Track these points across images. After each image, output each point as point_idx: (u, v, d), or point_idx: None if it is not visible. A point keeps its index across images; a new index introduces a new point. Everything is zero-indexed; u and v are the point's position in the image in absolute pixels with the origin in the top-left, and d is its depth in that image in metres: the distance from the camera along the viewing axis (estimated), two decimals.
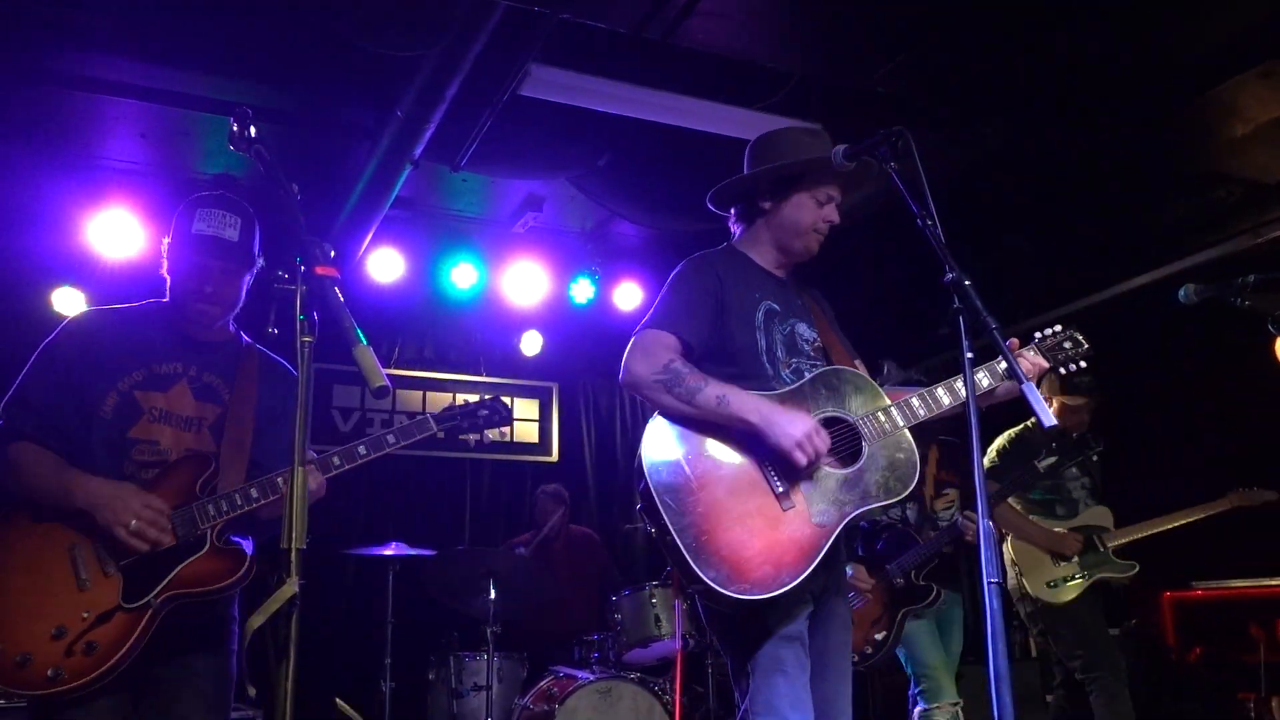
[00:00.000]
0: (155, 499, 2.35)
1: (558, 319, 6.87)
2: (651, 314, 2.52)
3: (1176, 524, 4.55)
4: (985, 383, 2.56)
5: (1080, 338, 2.70)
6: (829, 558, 2.36)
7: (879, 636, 4.02)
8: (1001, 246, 5.71)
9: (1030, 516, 4.60)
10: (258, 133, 1.69)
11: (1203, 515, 4.51)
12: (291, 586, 1.45)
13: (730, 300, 2.56)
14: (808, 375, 2.51)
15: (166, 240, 2.75)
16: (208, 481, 2.47)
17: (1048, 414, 1.70)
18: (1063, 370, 2.69)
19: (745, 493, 2.32)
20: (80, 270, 5.42)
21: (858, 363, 2.71)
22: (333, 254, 1.58)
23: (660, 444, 2.36)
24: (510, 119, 4.48)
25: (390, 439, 2.76)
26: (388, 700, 4.75)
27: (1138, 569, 4.52)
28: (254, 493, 2.46)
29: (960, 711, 4.11)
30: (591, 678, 4.66)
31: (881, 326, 6.17)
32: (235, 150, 1.73)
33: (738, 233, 2.77)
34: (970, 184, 4.88)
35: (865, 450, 2.41)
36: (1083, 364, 2.69)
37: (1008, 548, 4.61)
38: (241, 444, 2.55)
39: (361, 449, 2.71)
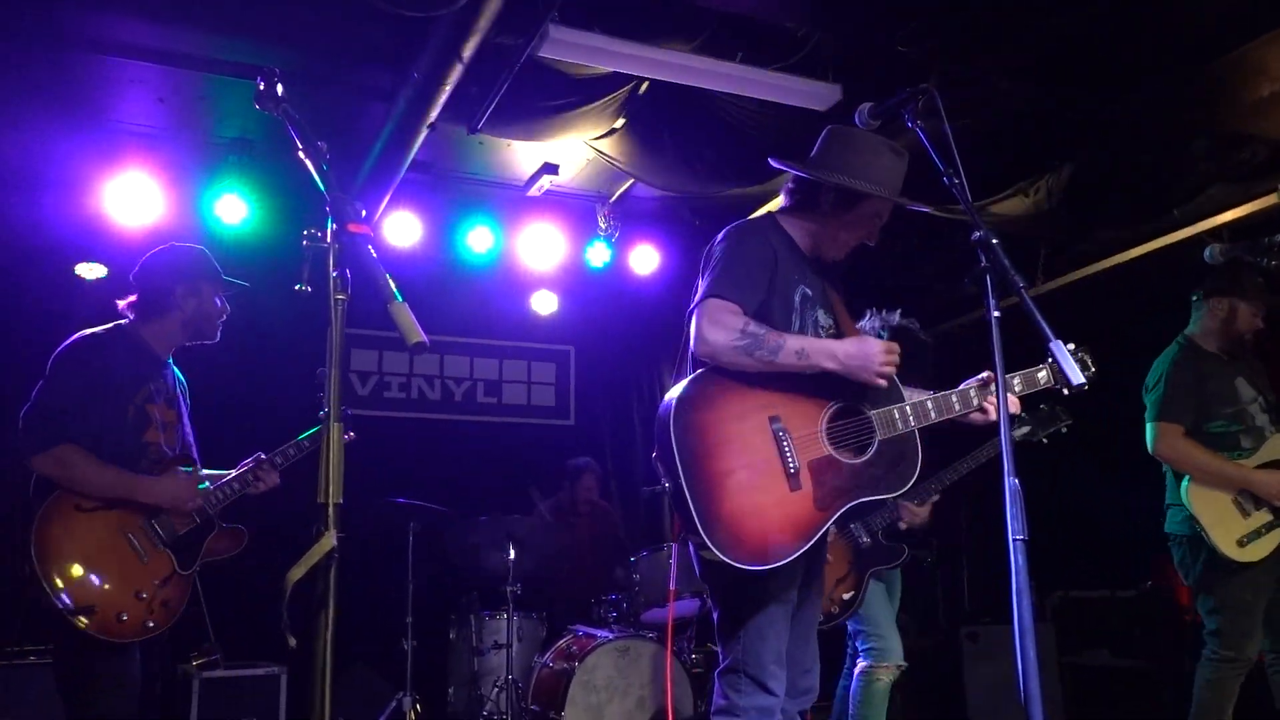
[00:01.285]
0: (193, 489, 3.12)
1: (574, 282, 6.88)
2: (709, 283, 2.54)
3: None
4: (1017, 386, 2.64)
5: (1089, 359, 2.77)
6: (822, 536, 2.47)
7: (846, 597, 3.98)
8: (1021, 206, 5.65)
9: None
10: (284, 92, 1.70)
11: None
12: (330, 539, 1.48)
13: (778, 278, 2.61)
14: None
15: (190, 284, 3.29)
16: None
17: (1075, 372, 1.70)
18: (1065, 392, 2.69)
19: (760, 467, 2.40)
20: (97, 238, 5.45)
21: None
22: (364, 213, 1.58)
23: (691, 402, 2.42)
24: (527, 81, 4.46)
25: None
26: (409, 658, 4.82)
27: None
28: (236, 485, 3.25)
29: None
30: (610, 636, 4.72)
31: (903, 287, 6.16)
32: (262, 109, 1.73)
33: (787, 203, 2.77)
34: (992, 144, 4.83)
35: (875, 444, 2.50)
36: (1086, 387, 2.68)
37: (1185, 497, 3.85)
38: (190, 441, 3.34)
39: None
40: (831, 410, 2.48)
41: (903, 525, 4.12)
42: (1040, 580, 6.86)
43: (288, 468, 3.36)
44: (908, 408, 2.53)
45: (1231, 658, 3.71)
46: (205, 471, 3.29)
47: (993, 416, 2.60)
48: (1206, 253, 3.23)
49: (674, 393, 2.45)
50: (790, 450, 2.41)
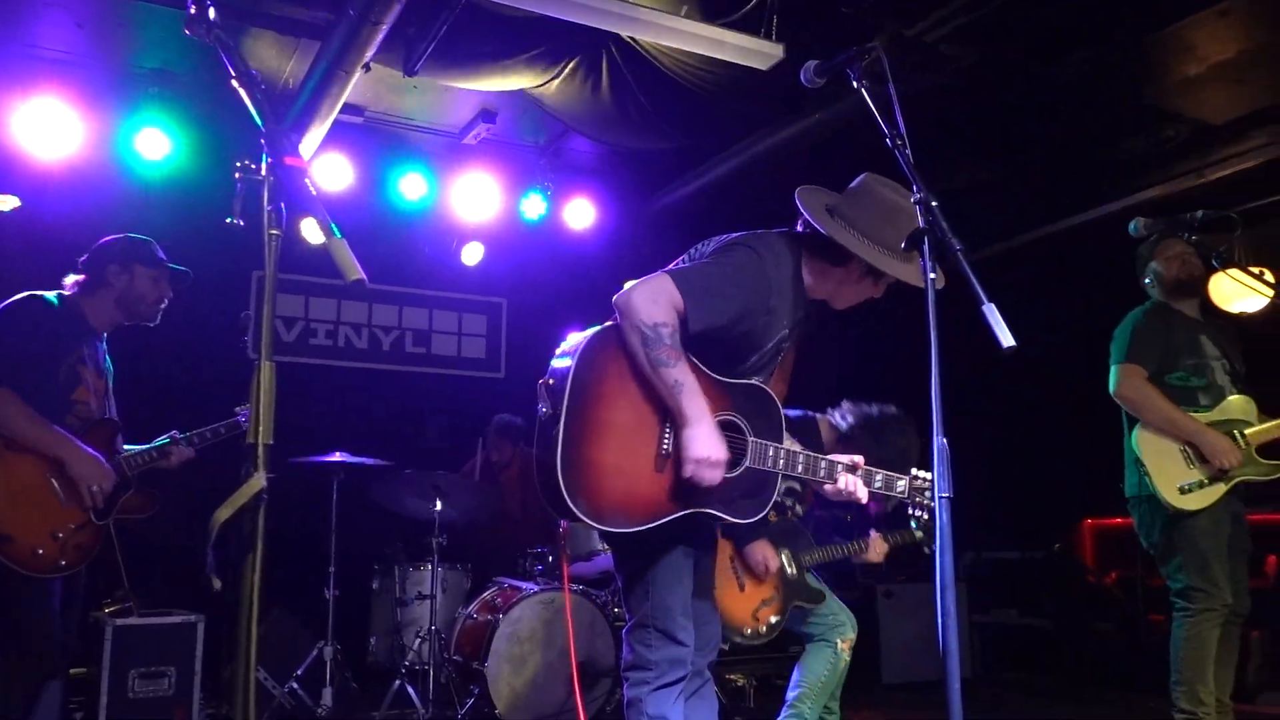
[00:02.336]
0: (110, 476, 3.32)
1: (508, 234, 6.79)
2: (687, 270, 2.46)
3: None
4: (878, 483, 2.71)
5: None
6: (687, 527, 2.48)
7: (773, 620, 3.94)
8: (956, 174, 5.75)
9: None
10: (217, 17, 1.62)
11: None
12: (259, 480, 1.44)
13: (763, 324, 2.53)
14: (742, 380, 2.57)
15: (123, 264, 3.53)
16: (117, 437, 3.48)
17: (1006, 334, 1.73)
18: (909, 512, 2.79)
19: (637, 435, 2.40)
20: (7, 167, 5.18)
21: (786, 388, 2.80)
22: (301, 147, 1.53)
23: (601, 348, 2.40)
24: (468, 23, 4.35)
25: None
26: (331, 608, 4.77)
27: None
28: (154, 454, 3.56)
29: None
30: (536, 589, 4.74)
31: None
32: (192, 35, 1.65)
33: (802, 230, 2.61)
34: (929, 109, 4.88)
35: (742, 466, 2.50)
36: (925, 516, 2.76)
37: (1134, 442, 3.92)
38: (114, 413, 3.54)
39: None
40: (720, 418, 2.46)
41: (863, 557, 4.17)
42: (955, 541, 7.08)
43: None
44: (783, 450, 2.56)
45: (1205, 609, 3.78)
46: (127, 448, 3.51)
47: (842, 488, 2.64)
48: (1131, 226, 3.31)
49: (594, 329, 2.43)
50: (670, 435, 2.42)
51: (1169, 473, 3.81)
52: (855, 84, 2.17)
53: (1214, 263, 3.55)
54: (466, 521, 5.88)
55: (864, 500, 2.67)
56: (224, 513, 1.45)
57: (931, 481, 2.68)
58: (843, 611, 4.14)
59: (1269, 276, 3.79)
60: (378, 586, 5.39)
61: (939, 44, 4.35)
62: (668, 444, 2.42)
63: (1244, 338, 4.17)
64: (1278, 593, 5.64)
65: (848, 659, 4.08)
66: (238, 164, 1.55)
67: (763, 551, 3.89)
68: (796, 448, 2.65)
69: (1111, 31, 4.35)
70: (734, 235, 2.57)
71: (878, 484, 2.69)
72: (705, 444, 2.33)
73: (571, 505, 2.29)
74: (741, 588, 3.93)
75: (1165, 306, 4.06)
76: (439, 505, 4.89)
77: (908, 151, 2.04)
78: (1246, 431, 3.85)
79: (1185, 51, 4.56)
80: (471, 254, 6.90)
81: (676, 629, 2.51)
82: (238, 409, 3.78)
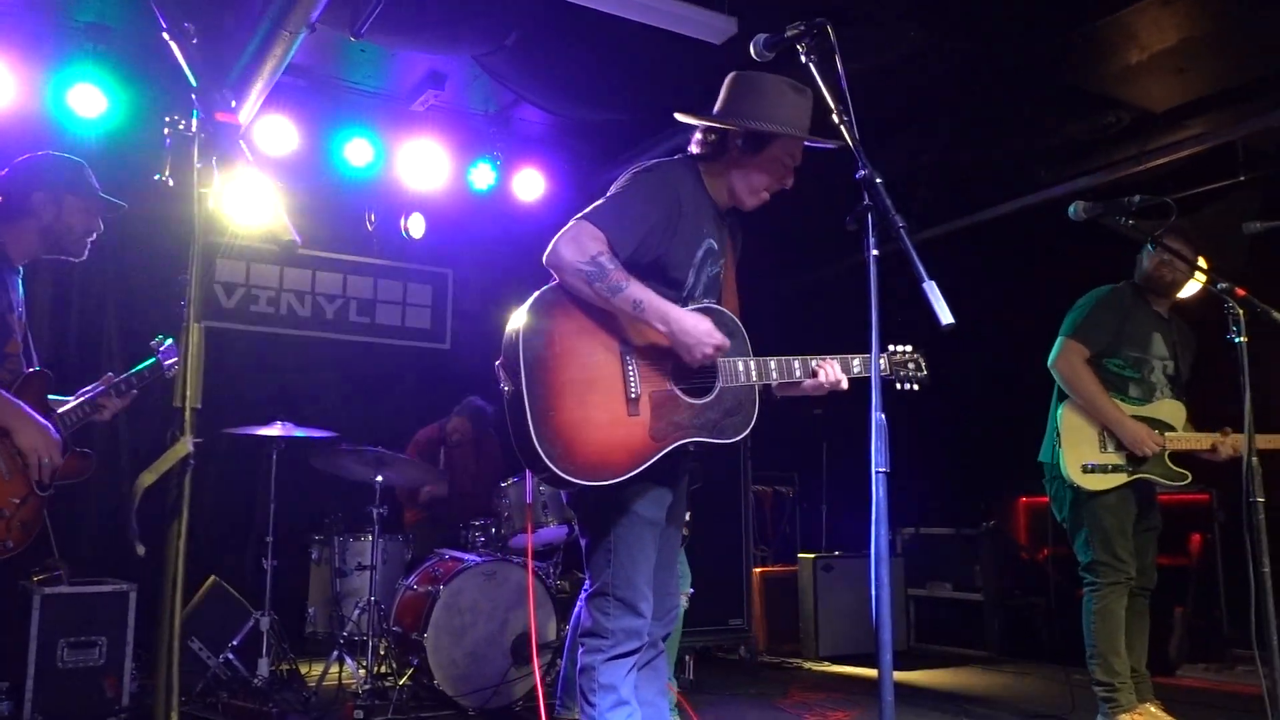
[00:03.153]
0: (58, 445, 3.04)
1: (456, 204, 6.71)
2: (596, 207, 2.49)
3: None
4: (856, 367, 2.69)
5: (924, 362, 2.81)
6: (663, 474, 2.51)
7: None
8: (900, 155, 5.80)
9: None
10: None
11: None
12: (186, 445, 1.41)
13: (682, 231, 2.58)
14: (693, 305, 2.59)
15: (50, 191, 3.16)
16: (48, 393, 3.17)
17: (945, 312, 1.75)
18: (897, 386, 2.76)
19: (601, 387, 2.42)
20: None
21: (738, 306, 2.83)
22: (234, 103, 1.48)
23: (543, 312, 2.42)
24: None
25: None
26: (269, 578, 4.71)
27: (1190, 480, 3.99)
28: (87, 408, 3.22)
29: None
30: (477, 560, 4.73)
31: (788, 227, 6.27)
32: None
33: (699, 151, 2.71)
34: (876, 89, 4.90)
35: (716, 389, 2.54)
36: (916, 387, 2.78)
37: (1058, 415, 4.04)
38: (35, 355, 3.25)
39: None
40: None
41: None
42: (893, 517, 7.20)
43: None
44: (752, 361, 2.59)
45: (1110, 583, 3.93)
46: (52, 397, 3.22)
47: (823, 380, 2.65)
48: (1071, 210, 3.37)
49: (531, 297, 2.44)
50: (634, 376, 2.44)
51: (1080, 450, 3.96)
52: (804, 59, 2.17)
53: (1150, 246, 3.64)
54: (410, 495, 5.86)
55: (845, 388, 2.68)
56: (148, 478, 1.41)
57: (910, 352, 2.79)
58: (686, 565, 4.22)
59: (1203, 263, 3.89)
60: (317, 557, 5.34)
61: (887, 24, 4.37)
62: (635, 387, 2.44)
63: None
64: (1200, 570, 5.83)
65: (685, 606, 4.18)
66: (166, 119, 1.50)
67: None
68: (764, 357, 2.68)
69: (1057, 16, 4.39)
70: (632, 168, 2.62)
71: (856, 367, 2.70)
72: (691, 328, 2.39)
73: (556, 469, 2.31)
74: None
75: (1136, 290, 4.17)
76: (380, 476, 4.84)
77: (854, 129, 2.05)
78: (1168, 435, 4.00)
79: (1129, 39, 4.63)
80: (415, 226, 6.80)
81: (637, 599, 2.52)
82: (158, 345, 3.31)
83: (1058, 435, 4.02)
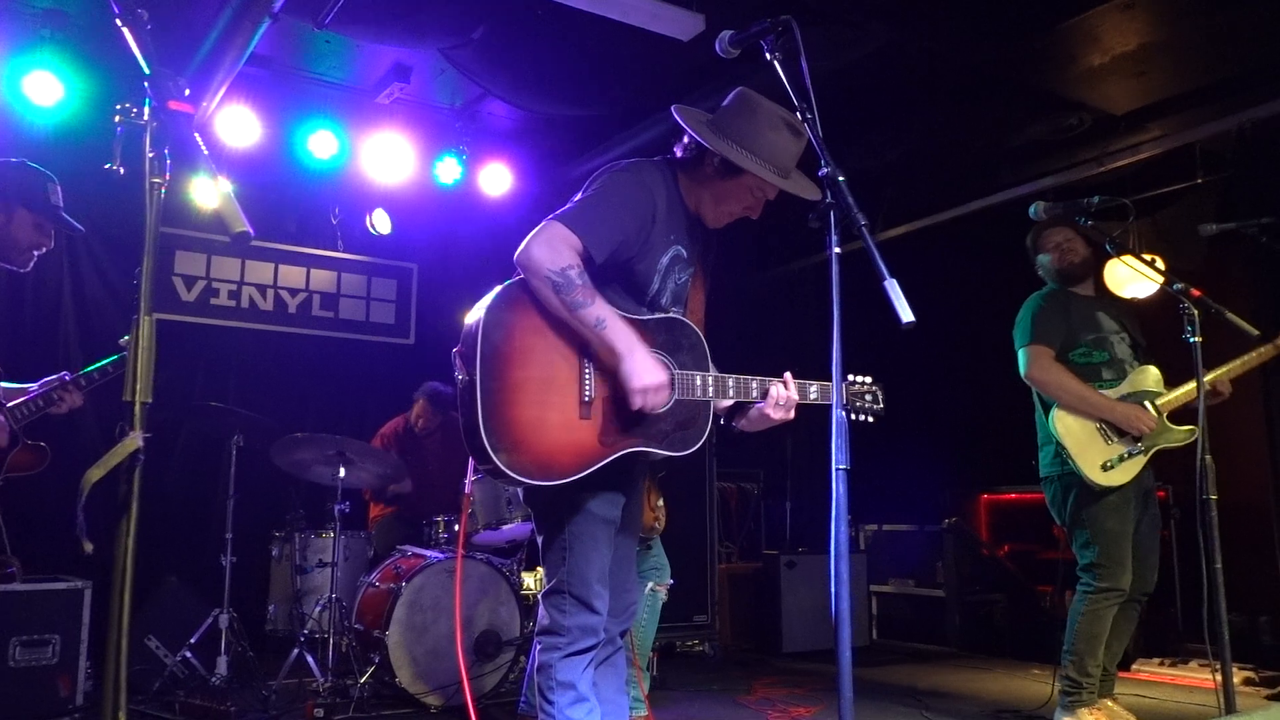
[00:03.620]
0: (4, 432, 3.07)
1: (422, 198, 6.66)
2: (571, 209, 2.46)
3: (1225, 374, 3.88)
4: (813, 394, 2.66)
5: (881, 395, 2.81)
6: (616, 477, 2.50)
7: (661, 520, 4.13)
8: (864, 154, 5.83)
9: None
10: None
11: (1257, 362, 3.90)
12: (135, 440, 1.37)
13: (653, 237, 2.56)
14: (658, 315, 2.58)
15: (4, 203, 3.13)
16: None
17: (906, 310, 1.76)
18: (852, 416, 2.73)
19: (556, 387, 2.40)
20: None
21: (703, 320, 2.80)
22: (187, 91, 1.45)
23: (506, 307, 2.40)
24: None
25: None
26: (228, 575, 4.65)
27: (1198, 434, 3.65)
28: (41, 403, 3.24)
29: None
30: (440, 557, 4.70)
31: (758, 223, 6.28)
32: None
33: (680, 155, 2.67)
34: (840, 88, 4.92)
35: (671, 400, 2.52)
36: (870, 419, 2.77)
37: (1052, 425, 3.96)
38: None
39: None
40: None
41: None
42: (856, 514, 7.28)
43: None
44: (710, 377, 2.58)
45: (1107, 588, 3.87)
46: (5, 385, 3.17)
47: (772, 415, 2.62)
48: (1031, 210, 3.41)
49: (496, 289, 2.42)
50: (590, 380, 2.43)
51: (1090, 452, 3.88)
52: (769, 56, 2.17)
53: (1108, 248, 3.68)
54: (373, 489, 5.80)
55: (790, 416, 2.65)
56: (95, 473, 1.37)
57: (869, 384, 2.79)
58: (664, 556, 4.23)
59: (1160, 263, 3.94)
60: (277, 554, 5.28)
61: (854, 22, 4.39)
62: (589, 391, 2.42)
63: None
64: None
65: (664, 599, 4.19)
66: (118, 106, 1.47)
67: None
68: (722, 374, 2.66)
69: (1022, 18, 4.44)
70: (609, 165, 2.60)
71: (813, 394, 2.68)
72: (644, 372, 2.35)
73: (499, 464, 2.29)
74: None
75: (1061, 289, 4.19)
76: (343, 472, 4.79)
77: (817, 126, 2.05)
78: (1158, 401, 3.94)
79: (1091, 42, 4.69)
80: (380, 223, 6.75)
81: (592, 596, 2.51)
82: (124, 340, 3.37)
83: (1062, 446, 3.92)
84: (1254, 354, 3.88)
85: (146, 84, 1.45)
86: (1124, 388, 4.00)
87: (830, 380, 1.91)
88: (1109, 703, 4.04)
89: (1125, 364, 4.05)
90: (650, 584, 4.11)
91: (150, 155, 1.43)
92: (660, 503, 4.01)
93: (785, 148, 2.56)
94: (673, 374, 2.51)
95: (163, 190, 1.43)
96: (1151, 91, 5.26)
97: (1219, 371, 3.83)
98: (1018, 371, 4.09)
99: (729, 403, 2.69)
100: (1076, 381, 3.92)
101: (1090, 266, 4.18)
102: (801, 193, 2.50)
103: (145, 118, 1.45)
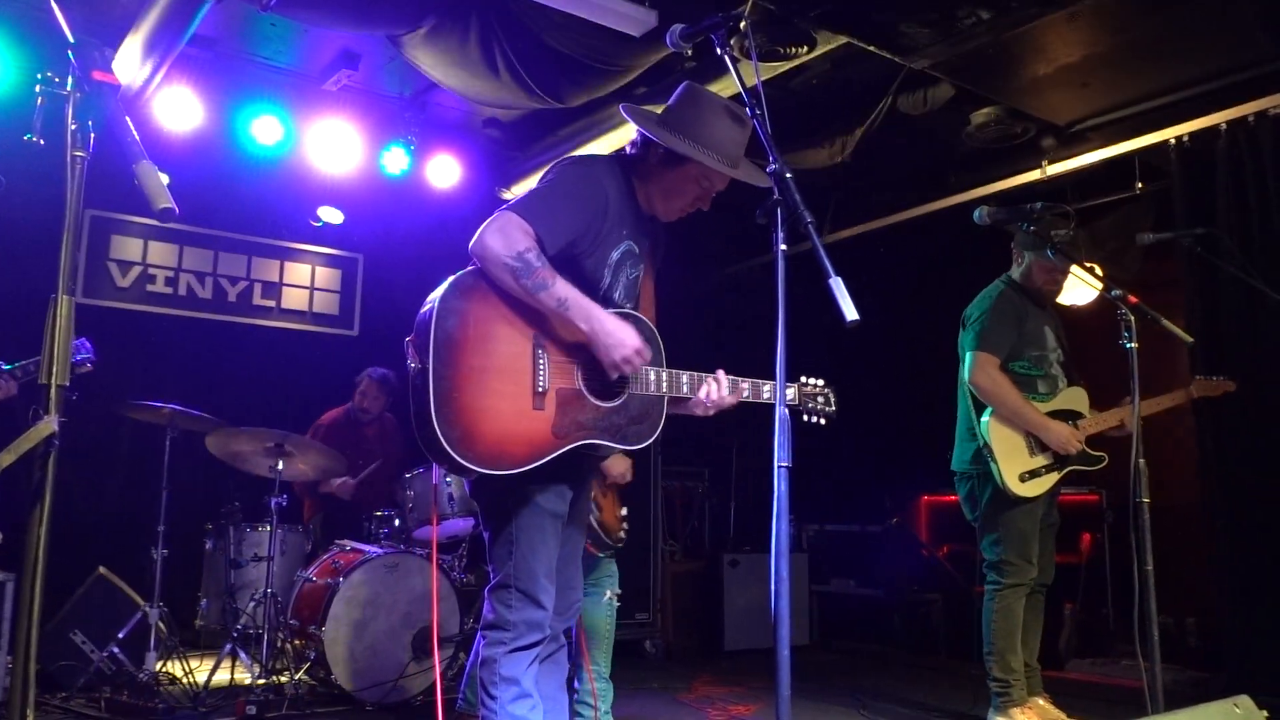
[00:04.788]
0: None
1: (368, 188, 6.55)
2: (524, 200, 2.46)
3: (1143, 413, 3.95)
4: (766, 393, 2.67)
5: (833, 398, 2.84)
6: (565, 471, 2.49)
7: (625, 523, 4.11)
8: (809, 155, 5.87)
9: None
10: None
11: (1170, 404, 4.15)
12: (50, 425, 1.31)
13: (604, 230, 2.56)
14: (612, 310, 2.56)
15: None
16: None
17: (850, 309, 1.76)
18: (804, 418, 2.76)
19: (510, 376, 2.38)
20: None
21: (654, 314, 2.82)
22: (113, 61, 1.39)
23: (460, 295, 2.38)
24: None
25: None
26: (159, 568, 4.53)
27: (1107, 461, 4.12)
28: None
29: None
30: (379, 552, 4.63)
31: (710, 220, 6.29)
32: None
33: (631, 151, 2.69)
34: (789, 88, 4.95)
35: (625, 394, 2.53)
36: (822, 421, 2.80)
37: (985, 430, 4.06)
38: None
39: None
40: None
41: None
42: (798, 513, 7.33)
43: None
44: (664, 372, 2.58)
45: (1014, 584, 4.05)
46: None
47: (704, 398, 2.61)
48: (976, 214, 3.45)
49: (451, 277, 2.40)
50: (544, 371, 2.41)
51: (1014, 460, 4.03)
52: (720, 50, 2.16)
53: (1049, 252, 3.74)
54: (312, 481, 5.69)
55: (729, 403, 2.65)
56: (6, 458, 1.31)
57: (821, 386, 2.81)
58: (614, 564, 4.22)
59: (1099, 271, 4.02)
60: (211, 547, 5.15)
61: (803, 27, 4.40)
62: (543, 381, 2.40)
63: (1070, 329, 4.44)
64: (1091, 568, 6.05)
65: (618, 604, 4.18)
66: (39, 76, 1.40)
67: (622, 465, 3.86)
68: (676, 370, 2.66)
69: (970, 26, 4.48)
70: (560, 160, 2.61)
71: (766, 394, 2.69)
72: (615, 333, 2.37)
73: (451, 451, 2.27)
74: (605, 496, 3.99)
75: (1017, 288, 4.27)
76: (281, 465, 4.69)
77: (766, 122, 2.05)
78: (1080, 423, 4.12)
79: (1037, 51, 4.76)
80: (329, 215, 6.63)
81: (539, 591, 2.49)
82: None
83: (989, 449, 4.03)
84: (1167, 396, 4.15)
85: (70, 53, 1.39)
86: (1056, 404, 4.14)
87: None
88: (1040, 701, 4.12)
89: (1058, 380, 4.21)
90: (609, 592, 4.07)
91: (73, 127, 1.37)
92: (624, 511, 3.98)
93: (730, 136, 2.58)
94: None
95: (84, 163, 1.37)
96: (1093, 102, 5.36)
97: (1146, 404, 3.97)
98: (959, 375, 4.18)
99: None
100: (1017, 394, 4.05)
101: (1053, 300, 4.35)
102: (750, 180, 2.53)
103: (68, 88, 1.39)
